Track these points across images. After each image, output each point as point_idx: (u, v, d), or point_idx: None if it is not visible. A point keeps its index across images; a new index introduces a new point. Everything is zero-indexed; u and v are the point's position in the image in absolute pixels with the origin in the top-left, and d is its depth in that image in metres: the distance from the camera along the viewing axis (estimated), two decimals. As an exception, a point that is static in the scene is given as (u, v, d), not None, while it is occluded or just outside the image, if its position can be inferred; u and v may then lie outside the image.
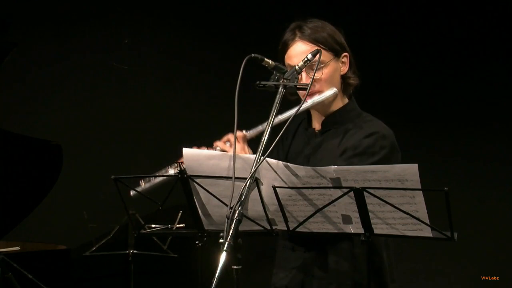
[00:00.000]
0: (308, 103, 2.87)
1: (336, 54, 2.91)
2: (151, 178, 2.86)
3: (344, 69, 2.94)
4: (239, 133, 2.84)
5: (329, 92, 2.88)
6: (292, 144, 2.99)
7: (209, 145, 2.92)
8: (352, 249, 2.80)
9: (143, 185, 2.88)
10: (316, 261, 2.84)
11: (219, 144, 2.87)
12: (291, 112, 2.79)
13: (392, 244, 2.92)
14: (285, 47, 2.92)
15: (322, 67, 2.86)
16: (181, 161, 2.69)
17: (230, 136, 2.86)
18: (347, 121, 2.92)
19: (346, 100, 2.97)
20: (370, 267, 2.66)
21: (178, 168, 2.66)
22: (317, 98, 2.88)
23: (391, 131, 2.90)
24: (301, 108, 2.71)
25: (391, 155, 2.81)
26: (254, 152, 2.58)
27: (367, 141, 2.81)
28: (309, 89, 2.67)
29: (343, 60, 2.94)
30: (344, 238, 2.80)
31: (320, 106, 2.92)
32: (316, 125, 2.99)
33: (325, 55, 2.88)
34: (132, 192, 2.85)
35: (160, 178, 2.85)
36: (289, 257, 2.92)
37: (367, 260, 2.64)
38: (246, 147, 2.85)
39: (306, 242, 2.85)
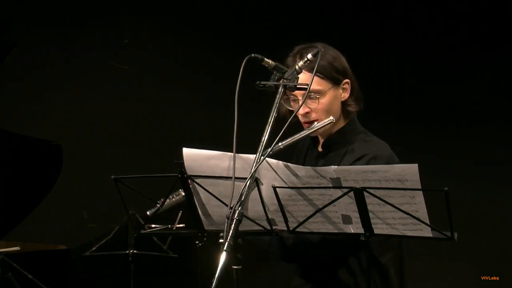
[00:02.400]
0: (305, 132, 2.89)
1: (336, 82, 2.91)
2: (165, 201, 2.88)
3: (345, 95, 2.94)
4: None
5: (325, 121, 2.88)
6: (305, 163, 2.99)
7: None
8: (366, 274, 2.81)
9: (158, 206, 2.91)
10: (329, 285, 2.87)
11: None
12: (293, 138, 2.83)
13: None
14: None
15: (319, 97, 2.87)
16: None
17: None
18: (346, 142, 2.93)
19: (347, 121, 2.98)
20: (370, 271, 2.67)
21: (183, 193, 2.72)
22: (313, 128, 2.89)
23: (386, 149, 2.88)
24: (298, 137, 2.81)
25: None
26: (247, 152, 2.58)
27: (357, 164, 2.81)
28: (309, 90, 2.67)
29: (344, 86, 2.93)
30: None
31: (317, 132, 2.94)
32: (319, 147, 3.00)
33: (323, 84, 2.88)
34: (148, 212, 2.88)
35: (174, 200, 2.87)
36: (298, 282, 2.96)
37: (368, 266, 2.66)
38: None
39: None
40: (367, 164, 2.79)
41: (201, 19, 5.49)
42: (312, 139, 3.03)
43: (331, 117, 2.88)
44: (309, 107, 2.88)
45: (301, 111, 2.87)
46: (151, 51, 5.47)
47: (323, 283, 2.88)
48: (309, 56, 2.69)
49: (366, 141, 2.92)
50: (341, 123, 2.96)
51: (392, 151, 2.90)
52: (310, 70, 2.76)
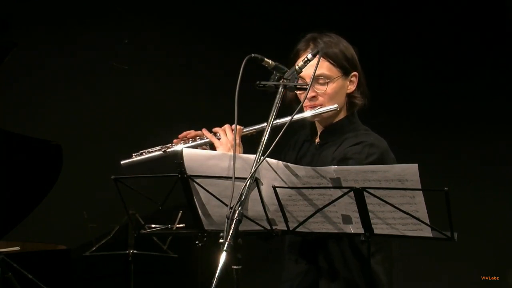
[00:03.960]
0: (308, 113, 2.90)
1: (345, 72, 2.93)
2: (143, 153, 2.92)
3: (351, 88, 2.96)
4: (237, 127, 2.86)
5: (330, 107, 2.90)
6: (298, 156, 3.01)
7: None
8: (355, 259, 2.81)
9: (134, 158, 2.93)
10: (319, 271, 2.85)
11: (216, 129, 2.91)
12: (290, 117, 2.80)
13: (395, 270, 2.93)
14: (296, 56, 2.95)
15: (328, 82, 2.89)
16: (174, 142, 2.83)
17: (227, 127, 2.89)
18: (344, 134, 2.94)
19: (347, 114, 2.99)
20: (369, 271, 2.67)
21: (166, 150, 2.75)
22: (317, 111, 2.90)
23: (384, 143, 2.89)
24: (299, 117, 2.83)
25: (382, 163, 2.81)
26: (247, 152, 2.59)
27: (353, 149, 2.84)
28: (309, 89, 2.68)
29: (351, 79, 2.95)
30: (346, 248, 2.82)
31: (321, 119, 2.95)
32: (317, 138, 3.01)
33: (333, 71, 2.90)
34: (122, 162, 2.89)
35: (152, 154, 2.91)
36: (293, 269, 2.94)
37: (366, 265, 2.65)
38: (239, 141, 2.88)
39: (309, 254, 2.87)
40: (362, 149, 2.81)
41: (201, 19, 5.49)
42: (311, 131, 3.03)
43: (336, 105, 2.90)
44: (316, 92, 2.90)
45: (308, 94, 2.87)
46: (151, 51, 5.47)
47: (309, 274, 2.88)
48: (309, 56, 2.70)
49: (364, 134, 2.94)
50: (342, 115, 2.97)
51: (391, 150, 2.90)
52: (323, 55, 2.82)
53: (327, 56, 2.88)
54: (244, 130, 2.92)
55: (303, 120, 2.92)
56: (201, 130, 3.00)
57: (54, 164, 4.42)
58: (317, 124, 3.01)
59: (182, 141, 2.96)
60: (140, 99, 5.44)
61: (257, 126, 2.92)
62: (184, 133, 3.00)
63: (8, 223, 4.35)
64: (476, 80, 5.22)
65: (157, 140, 5.33)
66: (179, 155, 2.80)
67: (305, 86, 2.68)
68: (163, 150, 2.94)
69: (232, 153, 2.55)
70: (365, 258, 2.72)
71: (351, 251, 2.81)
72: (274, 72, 2.70)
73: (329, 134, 2.96)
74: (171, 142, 2.99)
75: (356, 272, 2.81)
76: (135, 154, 2.98)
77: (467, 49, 5.22)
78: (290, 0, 5.45)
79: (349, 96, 2.96)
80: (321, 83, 2.89)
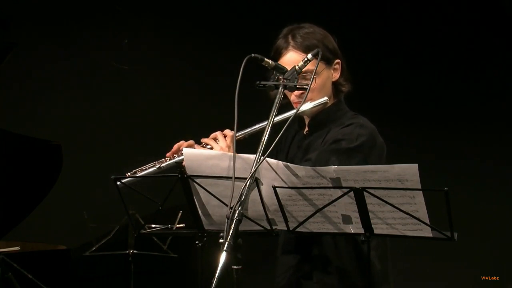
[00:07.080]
0: (299, 109, 2.88)
1: (328, 62, 2.93)
2: (137, 171, 2.91)
3: (336, 75, 2.96)
4: (228, 132, 2.86)
5: (320, 100, 2.90)
6: (290, 150, 3.01)
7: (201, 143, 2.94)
8: (349, 252, 2.82)
9: (128, 177, 2.91)
10: (311, 262, 2.86)
11: (206, 140, 2.90)
12: (283, 115, 2.81)
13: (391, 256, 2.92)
14: (278, 54, 2.94)
15: (315, 77, 2.87)
16: (167, 156, 2.83)
17: (218, 134, 2.88)
18: (332, 121, 2.94)
19: (333, 102, 2.99)
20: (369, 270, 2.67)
21: (162, 165, 2.77)
22: (307, 106, 2.90)
23: (373, 126, 2.90)
24: (290, 114, 2.79)
25: (372, 144, 2.82)
26: (247, 152, 2.59)
27: (344, 130, 2.85)
28: (309, 90, 2.68)
29: (335, 67, 2.96)
30: (338, 241, 2.82)
31: (308, 111, 2.95)
32: (306, 128, 3.01)
33: (318, 65, 2.88)
34: (119, 183, 2.89)
35: (146, 172, 2.90)
36: (286, 262, 2.94)
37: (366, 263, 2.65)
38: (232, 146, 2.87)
39: (302, 246, 2.88)
40: (353, 130, 2.81)
41: (201, 19, 5.50)
42: (299, 124, 3.03)
43: (326, 98, 2.90)
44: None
45: (297, 92, 2.87)
46: (151, 51, 5.47)
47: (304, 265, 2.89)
48: (309, 56, 2.71)
49: (353, 117, 2.94)
50: (329, 103, 2.96)
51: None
52: (305, 50, 2.81)
53: (310, 51, 2.80)
54: (237, 134, 2.90)
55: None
56: (197, 133, 2.99)
57: (54, 164, 4.42)
58: (304, 116, 3.01)
59: (176, 154, 2.94)
60: (140, 98, 5.44)
61: (248, 130, 2.91)
62: (176, 147, 2.97)
63: (8, 223, 4.35)
64: (476, 80, 5.22)
65: (157, 139, 5.35)
66: (174, 167, 2.81)
67: (305, 86, 2.68)
68: (157, 166, 2.92)
69: (232, 153, 2.55)
70: (359, 246, 2.73)
71: (345, 240, 2.81)
72: (274, 72, 2.70)
73: (317, 122, 2.96)
74: (164, 157, 2.96)
75: (349, 261, 2.81)
76: (129, 173, 2.94)
77: (468, 49, 5.23)
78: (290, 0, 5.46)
79: (335, 84, 2.96)
80: (308, 79, 2.86)
